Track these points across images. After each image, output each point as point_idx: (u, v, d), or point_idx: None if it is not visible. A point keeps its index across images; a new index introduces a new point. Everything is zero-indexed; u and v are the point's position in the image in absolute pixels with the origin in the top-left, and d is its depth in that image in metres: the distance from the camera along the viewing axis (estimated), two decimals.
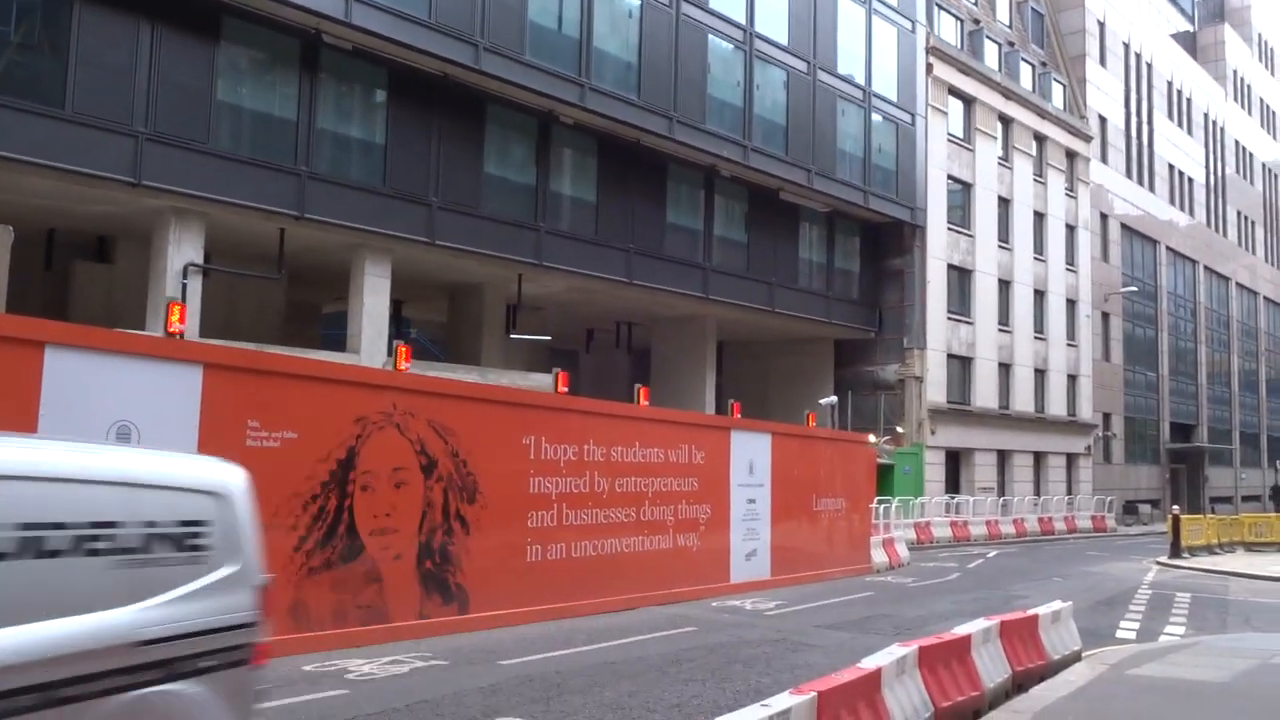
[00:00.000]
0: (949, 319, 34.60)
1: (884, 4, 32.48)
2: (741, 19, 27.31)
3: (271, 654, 8.76)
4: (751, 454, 16.30)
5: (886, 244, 33.63)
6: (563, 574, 12.36)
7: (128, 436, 7.89)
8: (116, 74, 16.73)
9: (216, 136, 18.00)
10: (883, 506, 22.90)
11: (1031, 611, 9.49)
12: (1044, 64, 42.44)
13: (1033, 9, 43.39)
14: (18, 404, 7.18)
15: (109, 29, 16.73)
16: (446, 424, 10.83)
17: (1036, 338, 39.29)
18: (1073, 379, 41.52)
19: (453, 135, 21.34)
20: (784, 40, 28.59)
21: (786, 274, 29.82)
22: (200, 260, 18.22)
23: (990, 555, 25.12)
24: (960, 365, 35.35)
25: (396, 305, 24.53)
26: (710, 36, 26.35)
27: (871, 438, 23.34)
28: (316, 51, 19.24)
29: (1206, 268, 53.50)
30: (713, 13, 26.41)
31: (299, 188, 18.88)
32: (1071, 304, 41.82)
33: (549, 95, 22.30)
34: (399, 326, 25.51)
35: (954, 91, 35.54)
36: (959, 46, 36.77)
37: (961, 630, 8.02)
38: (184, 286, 17.85)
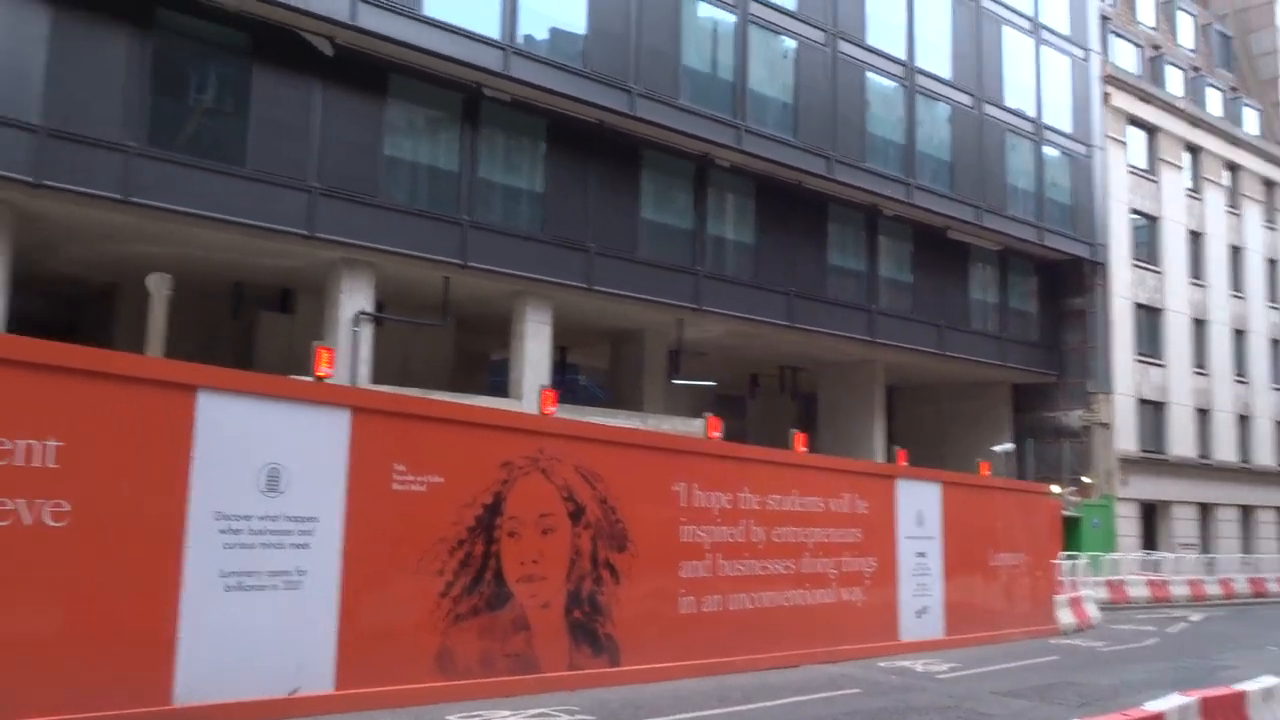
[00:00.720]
0: (1138, 361, 32.35)
1: (1054, 33, 31.04)
2: (902, 54, 26.59)
3: (416, 702, 8.65)
4: (920, 504, 15.39)
5: (1065, 282, 31.79)
6: (717, 627, 11.84)
7: (278, 479, 7.94)
8: (291, 133, 17.56)
9: (384, 189, 18.64)
10: (1070, 563, 21.31)
11: (1239, 687, 8.32)
12: (1233, 89, 39.64)
13: (1218, 31, 40.72)
14: (172, 445, 7.32)
15: (284, 91, 17.61)
16: (594, 469, 10.57)
17: (1237, 381, 36.29)
18: None
19: (609, 181, 21.46)
20: (947, 74, 27.65)
21: (957, 315, 28.55)
22: (370, 309, 18.81)
23: (1194, 619, 22.96)
24: (1152, 411, 32.93)
25: (560, 351, 24.76)
26: (868, 74, 25.74)
27: (1055, 488, 21.87)
28: (477, 104, 19.74)
29: None
30: (871, 50, 25.81)
31: (461, 237, 19.31)
32: (1276, 344, 38.49)
33: (705, 139, 22.19)
34: (563, 373, 25.72)
35: (1134, 121, 33.54)
36: (1138, 74, 34.75)
37: (1153, 707, 7.06)
38: (355, 334, 18.45)
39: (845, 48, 25.18)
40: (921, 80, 26.93)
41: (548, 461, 10.18)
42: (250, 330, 21.46)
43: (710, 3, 22.96)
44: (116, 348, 16.03)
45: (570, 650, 10.31)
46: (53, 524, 6.46)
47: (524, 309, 20.63)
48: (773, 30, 24.08)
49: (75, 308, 23.16)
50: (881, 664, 13.30)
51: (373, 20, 17.91)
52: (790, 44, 24.35)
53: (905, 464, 18.01)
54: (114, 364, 7.25)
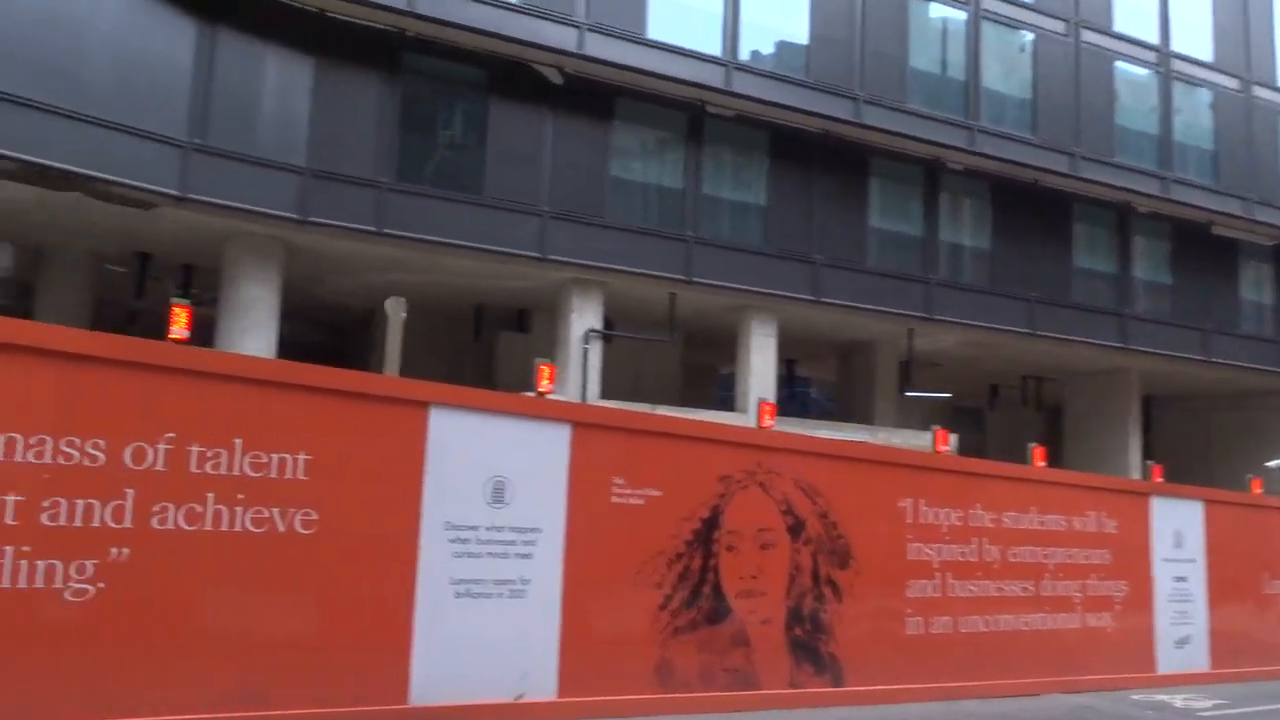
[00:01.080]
0: None
1: None
2: (1154, 39, 24.69)
3: (636, 712, 8.80)
4: (1178, 524, 14.13)
5: None
6: (947, 650, 11.34)
7: (503, 490, 8.31)
8: (524, 161, 18.45)
9: (611, 210, 19.22)
10: None
11: None
12: None
13: None
14: (406, 457, 7.81)
15: (518, 122, 18.54)
16: (814, 483, 10.40)
17: None
18: None
19: (834, 191, 21.17)
20: (1208, 57, 25.43)
21: (1224, 318, 26.10)
22: (600, 326, 19.42)
23: None
24: None
25: (788, 365, 24.62)
26: (1117, 63, 24.09)
27: None
28: (701, 122, 20.01)
29: None
30: (1119, 37, 24.15)
31: (686, 253, 19.60)
32: None
33: (935, 142, 21.48)
34: (791, 386, 25.54)
35: None
36: None
37: None
38: (585, 351, 19.10)
39: (1090, 37, 23.69)
40: (1178, 65, 24.93)
41: (766, 475, 10.11)
42: (491, 350, 22.64)
43: (940, 1, 22.23)
44: (375, 370, 17.34)
45: (791, 668, 10.18)
46: (302, 531, 7.02)
47: (749, 323, 20.66)
48: (1008, 25, 23.03)
49: (339, 333, 25.27)
50: (1135, 697, 12.30)
51: (599, 47, 18.55)
52: (1027, 37, 23.19)
53: (1160, 480, 16.65)
54: (354, 382, 7.83)
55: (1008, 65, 23.09)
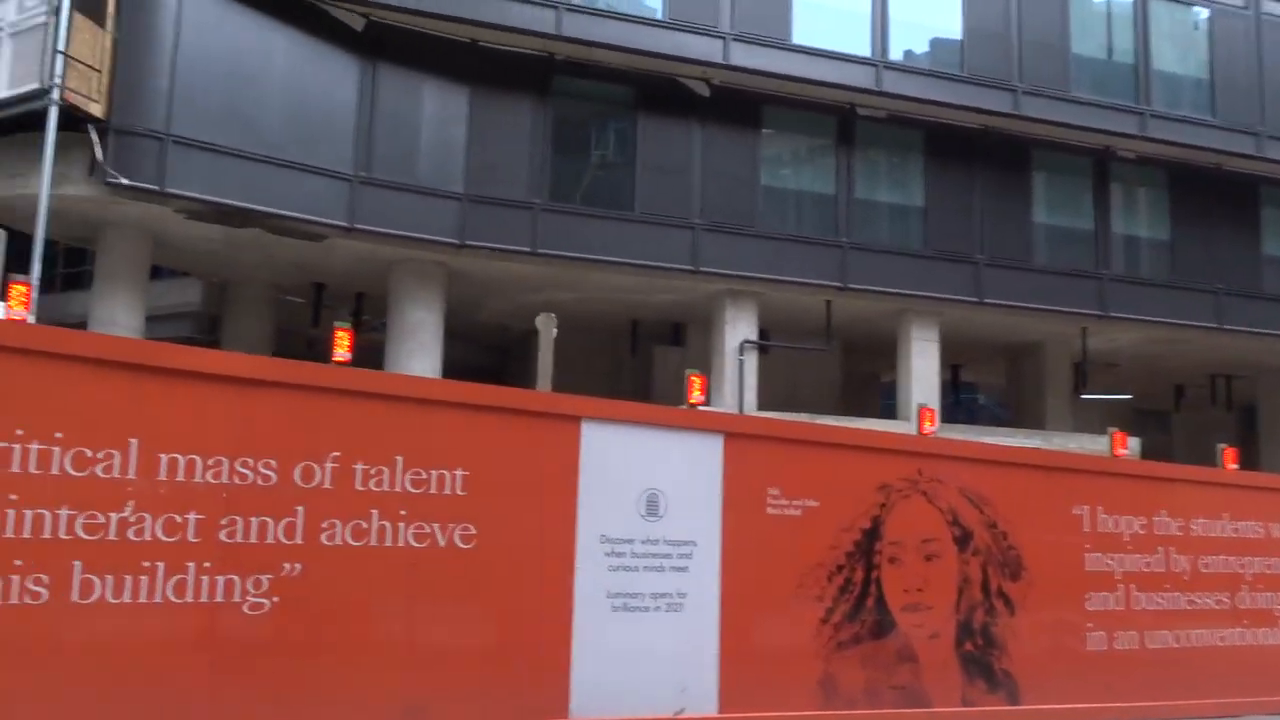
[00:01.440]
0: None
1: None
2: None
3: None
4: None
5: None
6: (1133, 667, 10.64)
7: (656, 503, 8.31)
8: (674, 175, 18.54)
9: (762, 219, 19.07)
10: None
11: None
12: None
13: None
14: (560, 472, 7.89)
15: (666, 136, 18.66)
16: (980, 492, 9.96)
17: None
18: None
19: (994, 187, 20.40)
20: None
21: None
22: (754, 337, 19.27)
23: None
24: None
25: (952, 370, 23.83)
26: None
27: None
28: (851, 125, 19.65)
29: None
30: None
31: (841, 259, 19.24)
32: None
33: (1103, 130, 20.43)
34: (956, 392, 24.71)
35: None
36: None
37: None
38: (740, 363, 18.98)
39: (1272, 8, 22.05)
40: None
41: (928, 484, 9.75)
42: (648, 364, 22.80)
43: None
44: (535, 388, 17.74)
45: (963, 685, 9.76)
46: (462, 546, 7.18)
47: (909, 327, 20.09)
48: (1180, 1, 21.69)
49: (501, 354, 25.97)
50: None
51: (744, 57, 18.48)
52: (1202, 14, 21.81)
53: None
54: (506, 398, 7.98)
55: (1181, 45, 21.75)
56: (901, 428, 19.10)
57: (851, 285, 19.20)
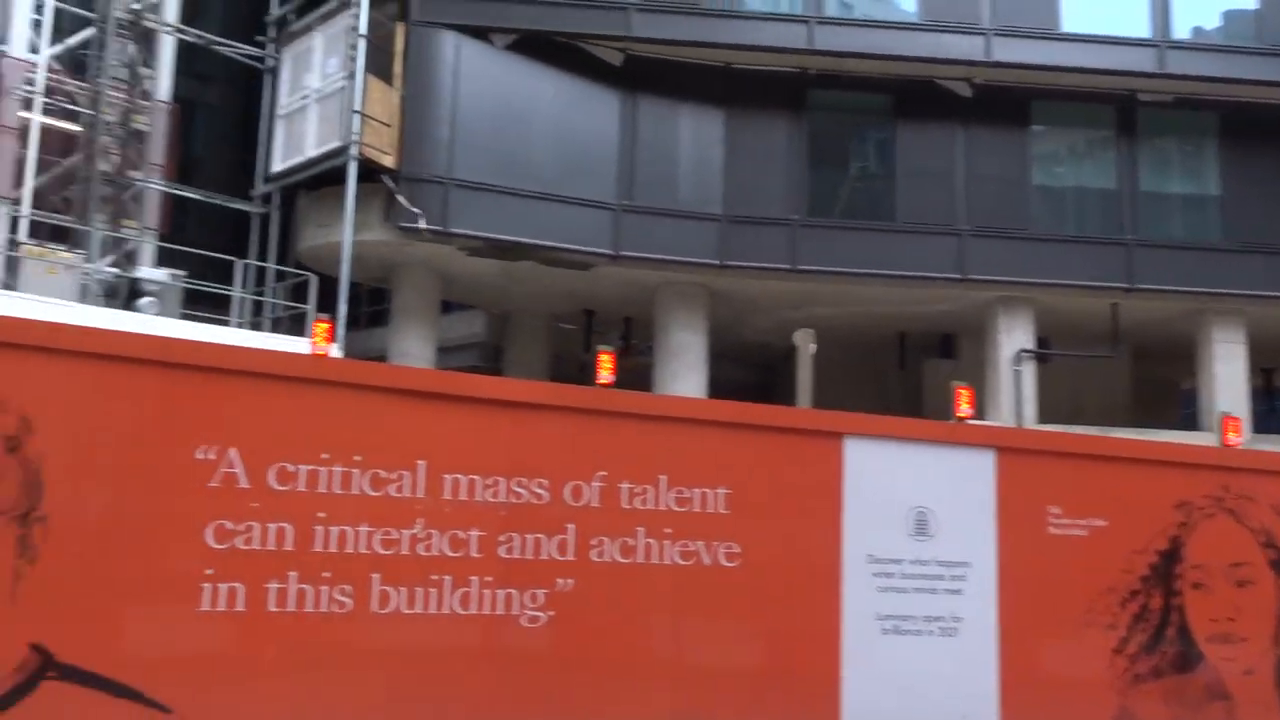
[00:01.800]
0: None
1: None
2: None
3: None
4: None
5: None
6: None
7: (925, 522, 8.02)
8: (936, 180, 17.93)
9: (1035, 220, 18.07)
10: None
11: None
12: None
13: None
14: (823, 490, 7.77)
15: (926, 141, 18.09)
16: None
17: None
18: None
19: None
20: None
21: None
22: (1031, 346, 18.24)
23: None
24: None
25: (1265, 375, 21.51)
26: None
27: None
28: (1132, 113, 18.27)
29: None
30: None
31: (1126, 258, 17.89)
32: None
33: None
34: (1272, 399, 22.29)
35: None
36: None
37: None
38: (1017, 374, 18.01)
39: None
40: None
41: (1235, 501, 8.82)
42: (917, 378, 22.08)
43: None
44: (799, 405, 17.65)
45: None
46: (726, 564, 7.22)
47: (1208, 329, 18.33)
48: None
49: (767, 371, 25.97)
50: None
51: (1009, 51, 17.64)
52: None
53: None
54: (766, 416, 7.95)
55: None
56: (1203, 439, 17.41)
57: (1140, 285, 17.76)
